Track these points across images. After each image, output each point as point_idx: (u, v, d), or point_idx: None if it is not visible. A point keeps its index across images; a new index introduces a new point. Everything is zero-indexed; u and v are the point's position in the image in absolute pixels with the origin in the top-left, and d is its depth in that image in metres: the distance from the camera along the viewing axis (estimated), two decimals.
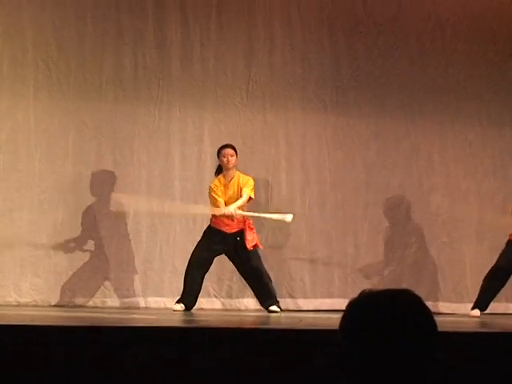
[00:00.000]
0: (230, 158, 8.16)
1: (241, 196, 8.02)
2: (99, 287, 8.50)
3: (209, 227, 7.88)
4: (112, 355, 4.46)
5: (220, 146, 8.30)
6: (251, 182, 8.12)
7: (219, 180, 8.06)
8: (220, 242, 7.85)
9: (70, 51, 8.75)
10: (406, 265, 9.16)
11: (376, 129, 9.33)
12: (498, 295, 8.54)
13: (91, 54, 8.78)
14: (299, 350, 4.57)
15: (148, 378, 4.41)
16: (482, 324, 7.76)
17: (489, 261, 8.87)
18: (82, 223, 8.46)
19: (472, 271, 9.31)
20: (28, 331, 4.87)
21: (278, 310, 7.84)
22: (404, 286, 8.36)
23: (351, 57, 9.41)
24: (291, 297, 8.82)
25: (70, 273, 8.41)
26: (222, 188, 8.10)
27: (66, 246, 8.46)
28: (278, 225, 8.51)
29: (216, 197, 8.00)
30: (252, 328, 6.28)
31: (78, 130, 8.69)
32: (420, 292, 2.23)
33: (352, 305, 2.03)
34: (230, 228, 7.95)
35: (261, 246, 8.05)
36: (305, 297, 9.04)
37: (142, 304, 8.57)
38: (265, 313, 7.99)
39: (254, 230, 8.16)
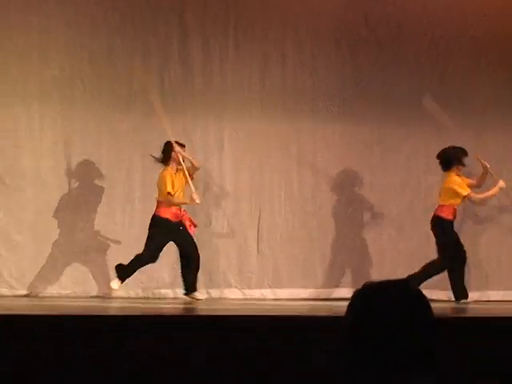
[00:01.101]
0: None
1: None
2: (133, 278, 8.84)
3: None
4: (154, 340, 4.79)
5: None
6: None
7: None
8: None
9: (101, 69, 9.27)
10: (404, 255, 9.55)
11: (379, 134, 9.79)
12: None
13: (121, 71, 9.30)
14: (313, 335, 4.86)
15: (181, 360, 4.71)
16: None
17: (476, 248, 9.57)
18: (115, 222, 8.97)
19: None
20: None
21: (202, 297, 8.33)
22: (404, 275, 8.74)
23: (356, 70, 9.89)
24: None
25: (107, 266, 8.89)
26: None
27: (104, 243, 9.01)
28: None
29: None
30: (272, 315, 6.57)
31: (111, 137, 9.20)
32: None
33: (356, 295, 2.08)
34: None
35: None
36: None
37: (171, 295, 8.94)
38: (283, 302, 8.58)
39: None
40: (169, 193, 8.60)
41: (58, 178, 9.12)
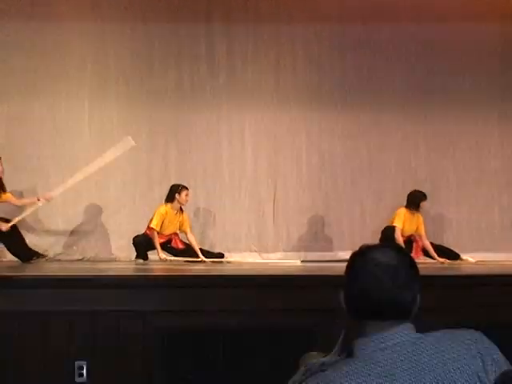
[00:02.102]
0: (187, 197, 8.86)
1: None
2: None
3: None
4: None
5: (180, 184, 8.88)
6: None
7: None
8: None
9: (141, 70, 9.75)
10: None
11: (375, 122, 10.15)
12: None
13: (158, 71, 9.76)
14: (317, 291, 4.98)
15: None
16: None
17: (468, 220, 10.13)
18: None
19: (452, 228, 10.31)
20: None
21: None
22: None
23: (356, 67, 10.21)
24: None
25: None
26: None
27: None
28: None
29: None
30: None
31: (150, 129, 9.72)
32: None
33: (354, 255, 2.18)
34: None
35: None
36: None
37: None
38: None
39: None
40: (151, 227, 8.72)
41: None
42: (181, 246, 8.96)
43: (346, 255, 2.30)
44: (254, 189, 9.98)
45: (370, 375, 1.99)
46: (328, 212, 10.17)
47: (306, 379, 2.12)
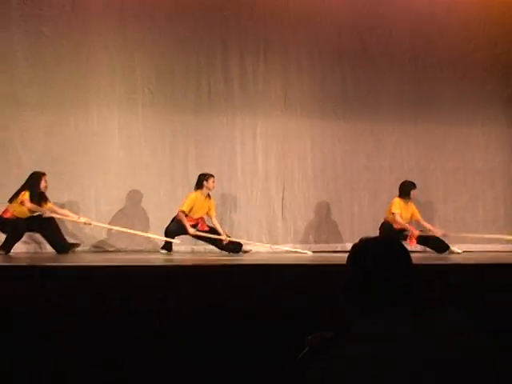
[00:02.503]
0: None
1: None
2: None
3: None
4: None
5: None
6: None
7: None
8: None
9: (164, 83, 10.18)
10: None
11: (372, 128, 10.68)
12: None
13: (179, 84, 10.20)
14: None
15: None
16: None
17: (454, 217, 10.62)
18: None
19: (440, 223, 10.62)
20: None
21: None
22: None
23: (354, 80, 10.72)
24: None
25: None
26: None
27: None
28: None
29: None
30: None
31: (172, 134, 10.19)
32: None
33: (354, 247, 2.25)
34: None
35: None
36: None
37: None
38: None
39: None
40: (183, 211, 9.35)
41: (130, 165, 9.94)
42: (206, 229, 9.63)
43: (348, 246, 2.56)
44: (265, 187, 10.41)
45: (370, 356, 2.01)
46: (331, 208, 10.68)
47: (310, 358, 2.19)
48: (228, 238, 9.57)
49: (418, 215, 10.10)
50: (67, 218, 9.47)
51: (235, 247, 9.63)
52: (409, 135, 11.05)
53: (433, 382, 2.00)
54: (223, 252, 9.66)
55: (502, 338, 2.23)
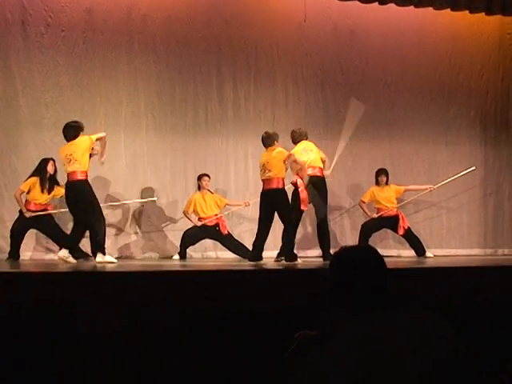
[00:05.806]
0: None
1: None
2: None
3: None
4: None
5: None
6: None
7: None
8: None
9: (166, 108, 10.75)
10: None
11: (350, 147, 10.81)
12: None
13: (179, 107, 10.79)
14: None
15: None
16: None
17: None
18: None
19: (425, 227, 11.36)
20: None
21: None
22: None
23: (335, 104, 11.26)
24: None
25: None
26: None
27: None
28: None
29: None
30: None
31: (173, 153, 10.72)
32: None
33: (335, 255, 2.39)
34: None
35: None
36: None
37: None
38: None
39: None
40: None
41: (135, 183, 10.50)
42: (225, 232, 10.07)
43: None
44: (256, 202, 10.02)
45: (355, 352, 2.06)
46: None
47: (297, 354, 2.27)
48: (247, 203, 10.17)
49: (400, 188, 10.71)
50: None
51: (253, 254, 9.41)
52: (383, 153, 11.67)
53: (415, 380, 2.07)
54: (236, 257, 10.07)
55: (475, 340, 2.34)
